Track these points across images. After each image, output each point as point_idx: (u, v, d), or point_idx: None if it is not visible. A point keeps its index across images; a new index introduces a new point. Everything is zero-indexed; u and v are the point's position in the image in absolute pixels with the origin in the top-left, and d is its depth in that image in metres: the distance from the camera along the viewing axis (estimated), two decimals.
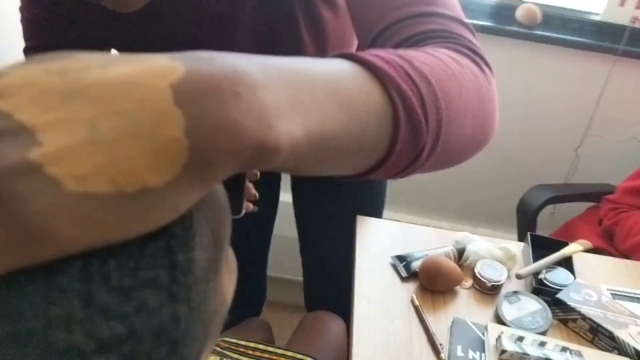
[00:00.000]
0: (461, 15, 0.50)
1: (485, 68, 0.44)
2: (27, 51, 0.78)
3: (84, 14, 0.72)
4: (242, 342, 0.99)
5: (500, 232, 2.08)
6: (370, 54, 0.34)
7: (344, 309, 1.16)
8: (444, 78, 0.37)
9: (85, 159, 0.21)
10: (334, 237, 1.25)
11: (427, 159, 0.37)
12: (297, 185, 1.26)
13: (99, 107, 0.22)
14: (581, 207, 1.75)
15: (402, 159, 0.35)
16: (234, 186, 0.68)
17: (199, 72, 0.24)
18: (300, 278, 1.40)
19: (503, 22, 1.84)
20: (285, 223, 1.35)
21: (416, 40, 0.46)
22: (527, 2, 1.83)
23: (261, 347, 0.99)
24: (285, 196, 1.30)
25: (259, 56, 0.28)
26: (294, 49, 0.73)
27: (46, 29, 0.74)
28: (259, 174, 0.79)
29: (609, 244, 1.55)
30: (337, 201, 1.21)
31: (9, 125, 0.21)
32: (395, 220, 1.21)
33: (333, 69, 0.31)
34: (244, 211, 0.74)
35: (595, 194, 1.69)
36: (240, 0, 0.66)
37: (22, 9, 0.75)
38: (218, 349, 0.94)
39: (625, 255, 1.46)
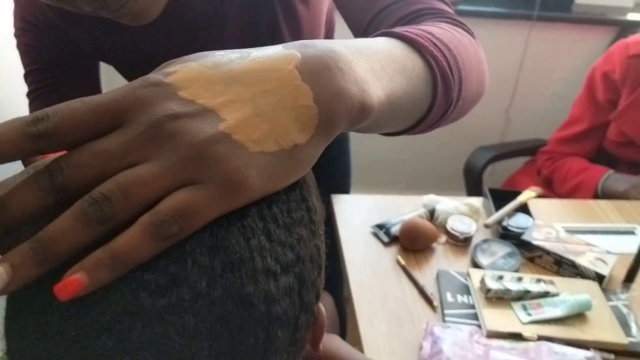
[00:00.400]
0: None
1: (474, 35, 0.53)
2: (29, 75, 0.77)
3: (82, 31, 0.74)
4: None
5: (450, 196, 2.22)
6: (403, 30, 0.41)
7: (327, 284, 1.23)
8: (456, 44, 0.45)
9: (256, 128, 0.28)
10: None
11: (452, 112, 0.45)
12: None
13: (253, 89, 0.28)
14: (518, 163, 1.91)
15: (438, 113, 0.43)
16: None
17: (311, 55, 0.31)
18: None
19: None
20: None
21: (410, 19, 0.54)
22: None
23: None
24: None
25: (337, 40, 0.34)
26: (275, 43, 0.78)
27: (46, 51, 0.75)
28: None
29: (549, 190, 1.70)
30: None
31: (196, 109, 0.27)
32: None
33: (385, 44, 0.38)
34: None
35: (530, 149, 1.85)
36: (227, 2, 0.71)
37: (19, 36, 0.75)
38: None
39: (564, 198, 1.62)
